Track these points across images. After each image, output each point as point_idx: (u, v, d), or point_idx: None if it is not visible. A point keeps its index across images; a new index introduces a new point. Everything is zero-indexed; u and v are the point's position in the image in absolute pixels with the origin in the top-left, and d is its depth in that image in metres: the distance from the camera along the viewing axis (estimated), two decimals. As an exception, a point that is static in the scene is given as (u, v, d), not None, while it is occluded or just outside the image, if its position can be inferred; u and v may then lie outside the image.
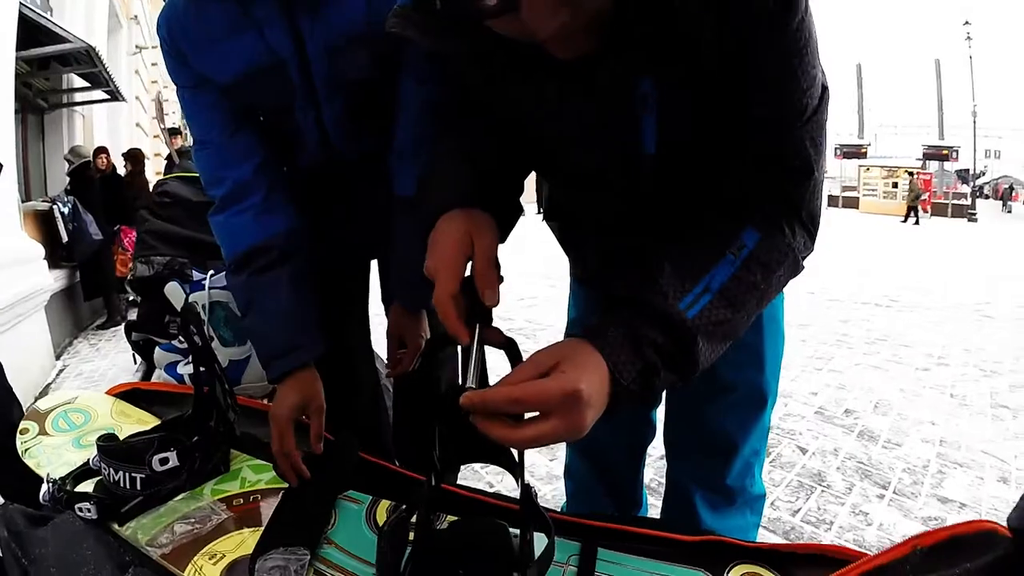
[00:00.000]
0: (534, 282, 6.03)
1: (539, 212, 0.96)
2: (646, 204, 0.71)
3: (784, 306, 0.88)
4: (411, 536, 0.62)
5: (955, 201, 19.38)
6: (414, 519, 0.62)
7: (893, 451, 2.38)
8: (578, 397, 0.45)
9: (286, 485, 0.82)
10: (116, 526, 0.76)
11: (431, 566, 0.60)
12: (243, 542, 0.73)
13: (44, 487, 0.79)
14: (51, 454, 0.94)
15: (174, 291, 1.23)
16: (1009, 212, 19.57)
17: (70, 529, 0.72)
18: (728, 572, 0.66)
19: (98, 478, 0.83)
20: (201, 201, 1.38)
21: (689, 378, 0.54)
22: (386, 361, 1.09)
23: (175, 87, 0.90)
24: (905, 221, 16.21)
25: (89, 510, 0.75)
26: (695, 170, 0.64)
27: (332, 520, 0.76)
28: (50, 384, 3.42)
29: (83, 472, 0.85)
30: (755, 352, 0.85)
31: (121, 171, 5.48)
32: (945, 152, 21.74)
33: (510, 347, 0.57)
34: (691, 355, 0.53)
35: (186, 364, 1.26)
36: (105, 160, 5.22)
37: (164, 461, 0.80)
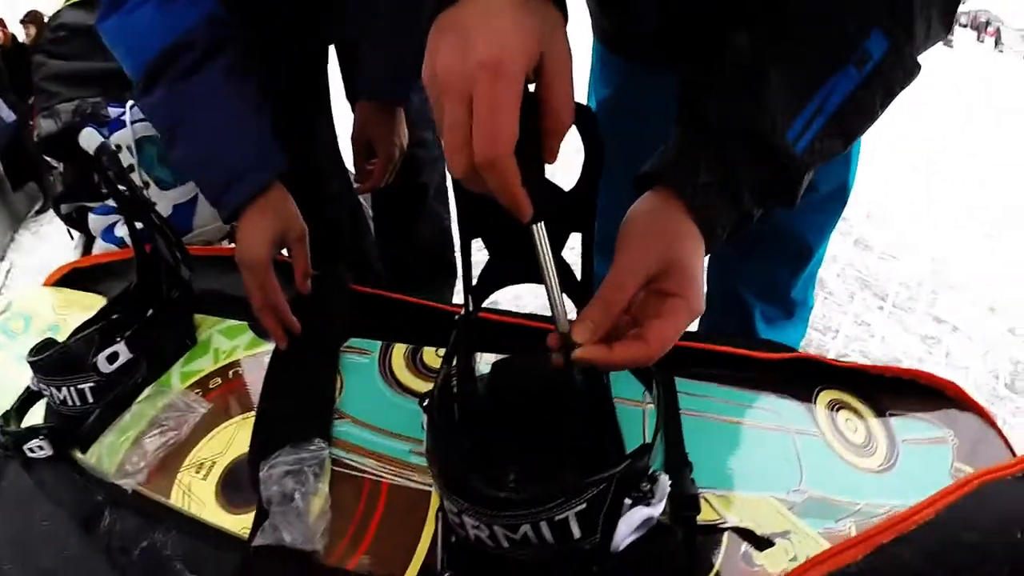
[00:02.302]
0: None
1: None
2: None
3: None
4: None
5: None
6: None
7: (889, 263, 2.38)
8: (700, 311, 0.41)
9: (270, 346, 0.65)
10: (79, 455, 0.59)
11: (483, 431, 0.47)
12: (233, 437, 0.58)
13: None
14: (-5, 383, 0.73)
15: (90, 138, 0.97)
16: (981, 43, 19.21)
17: (15, 495, 0.56)
18: (816, 398, 0.59)
19: (46, 401, 0.65)
20: (105, 23, 1.09)
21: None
22: (353, 172, 0.90)
23: None
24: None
25: (41, 448, 0.58)
26: None
27: (339, 385, 0.61)
28: (0, 289, 3.17)
29: (27, 398, 0.66)
30: None
31: (22, 39, 4.76)
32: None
33: None
34: (792, 195, 0.44)
35: (124, 224, 1.05)
36: (2, 33, 4.57)
37: (113, 358, 0.62)
